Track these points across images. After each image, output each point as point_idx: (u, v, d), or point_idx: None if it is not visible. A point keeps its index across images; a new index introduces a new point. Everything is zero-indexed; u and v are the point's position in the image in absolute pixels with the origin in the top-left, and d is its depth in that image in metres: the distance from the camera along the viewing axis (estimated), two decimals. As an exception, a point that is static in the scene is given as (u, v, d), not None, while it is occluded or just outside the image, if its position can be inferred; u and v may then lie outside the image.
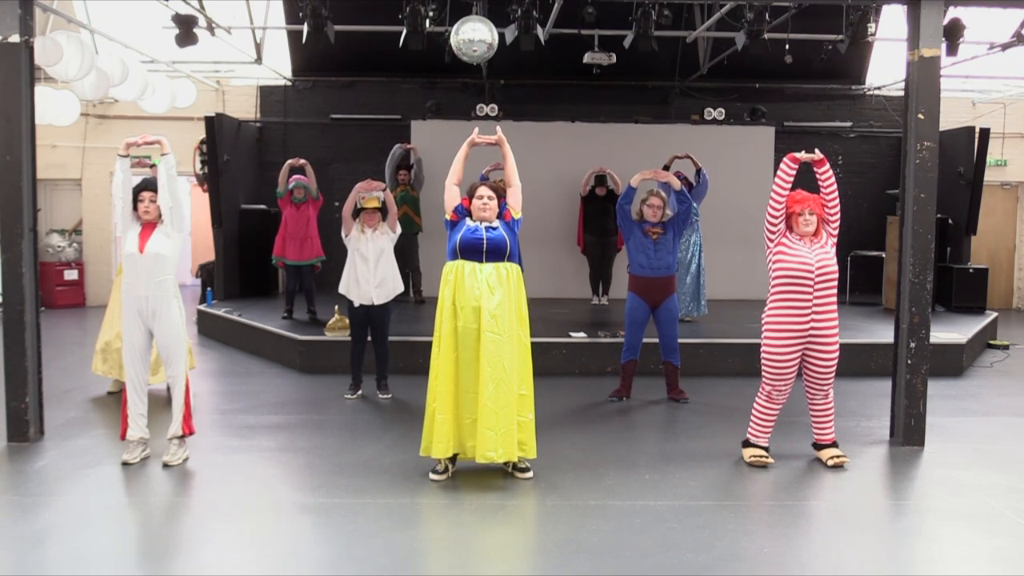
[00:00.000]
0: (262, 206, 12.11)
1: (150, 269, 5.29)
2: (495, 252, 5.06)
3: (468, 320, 4.96)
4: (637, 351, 7.12)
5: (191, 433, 5.51)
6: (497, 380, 4.92)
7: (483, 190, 5.24)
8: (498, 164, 9.63)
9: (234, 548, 4.17)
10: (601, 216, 10.94)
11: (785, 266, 5.30)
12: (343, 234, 7.13)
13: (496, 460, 4.95)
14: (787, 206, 5.38)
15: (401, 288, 7.22)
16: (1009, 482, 5.24)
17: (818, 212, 5.33)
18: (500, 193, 5.28)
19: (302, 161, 9.73)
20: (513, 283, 5.09)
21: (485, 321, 4.93)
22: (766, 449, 5.53)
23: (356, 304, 7.02)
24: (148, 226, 5.39)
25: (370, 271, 6.99)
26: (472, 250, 5.06)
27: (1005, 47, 9.70)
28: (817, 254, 5.30)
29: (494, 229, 5.13)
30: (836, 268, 5.36)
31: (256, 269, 11.74)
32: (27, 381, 5.83)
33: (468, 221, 5.18)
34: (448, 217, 5.25)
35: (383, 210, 7.12)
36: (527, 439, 5.10)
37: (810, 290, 5.26)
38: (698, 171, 8.84)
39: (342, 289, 7.09)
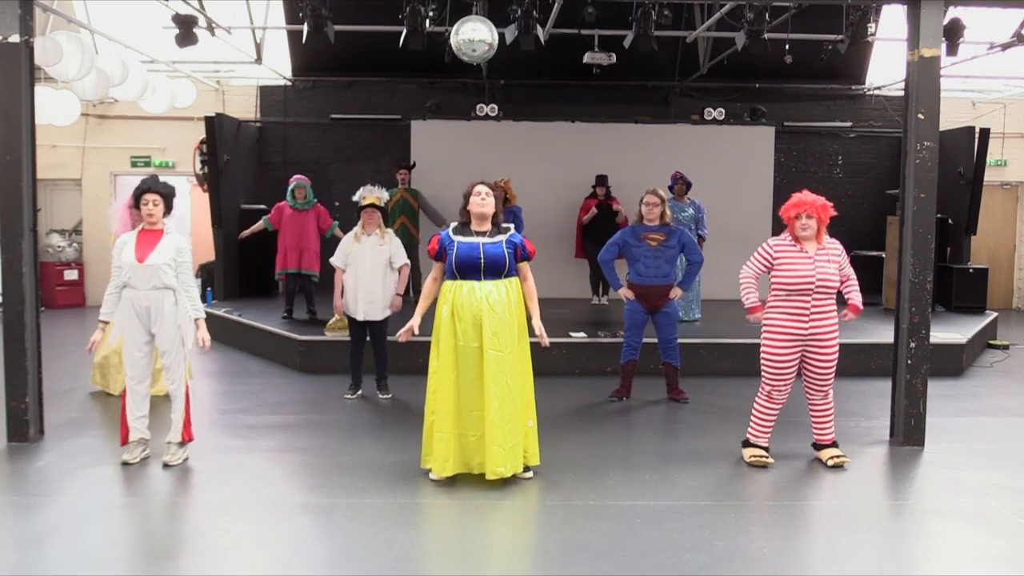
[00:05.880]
0: (262, 206, 12.08)
1: (151, 280, 5.24)
2: (493, 269, 4.95)
3: (469, 339, 4.90)
4: (637, 351, 7.11)
5: (190, 440, 5.51)
6: (502, 397, 4.88)
7: (480, 187, 5.05)
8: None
9: (234, 548, 4.17)
10: (602, 222, 10.92)
11: (785, 279, 5.26)
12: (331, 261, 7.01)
13: (505, 475, 4.91)
14: (785, 209, 5.35)
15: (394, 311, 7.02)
16: (1009, 482, 5.24)
17: (818, 215, 5.25)
18: (495, 193, 5.08)
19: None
20: (513, 298, 5.01)
21: (487, 339, 4.87)
22: (766, 449, 5.53)
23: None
24: (149, 233, 5.34)
25: (359, 282, 6.82)
26: (470, 268, 4.95)
27: (1005, 47, 9.70)
28: (819, 267, 5.24)
29: (493, 245, 4.99)
30: (838, 280, 5.32)
31: (256, 269, 11.73)
32: (27, 381, 5.83)
33: (459, 239, 5.01)
34: (441, 259, 5.07)
35: (383, 211, 7.04)
36: (530, 446, 5.11)
37: (808, 298, 5.25)
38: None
39: (345, 308, 7.01)
